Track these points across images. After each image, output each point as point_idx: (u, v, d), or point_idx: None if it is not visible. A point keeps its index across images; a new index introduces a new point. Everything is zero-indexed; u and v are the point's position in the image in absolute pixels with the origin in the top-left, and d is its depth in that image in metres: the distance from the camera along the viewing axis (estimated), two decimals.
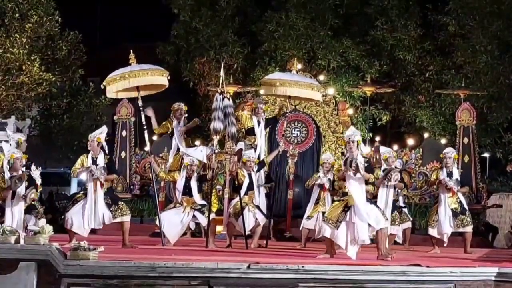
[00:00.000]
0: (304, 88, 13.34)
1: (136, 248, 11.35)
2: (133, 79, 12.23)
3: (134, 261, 8.74)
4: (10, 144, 11.90)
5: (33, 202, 11.67)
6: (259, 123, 13.90)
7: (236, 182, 12.72)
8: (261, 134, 13.97)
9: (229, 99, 12.79)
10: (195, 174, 12.46)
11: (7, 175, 10.89)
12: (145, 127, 12.64)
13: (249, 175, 12.83)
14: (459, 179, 13.11)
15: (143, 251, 10.96)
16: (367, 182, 10.50)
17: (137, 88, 12.46)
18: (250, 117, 14.05)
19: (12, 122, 16.33)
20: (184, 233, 15.52)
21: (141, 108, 12.74)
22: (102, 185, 11.30)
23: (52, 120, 21.59)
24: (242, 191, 12.57)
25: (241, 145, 13.45)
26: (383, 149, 13.16)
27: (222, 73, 12.62)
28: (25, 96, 19.72)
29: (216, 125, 12.04)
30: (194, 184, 12.40)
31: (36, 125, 21.50)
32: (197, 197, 12.43)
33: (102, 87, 12.50)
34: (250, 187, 12.79)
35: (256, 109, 13.94)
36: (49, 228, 8.98)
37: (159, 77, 12.52)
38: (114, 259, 8.86)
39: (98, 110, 21.77)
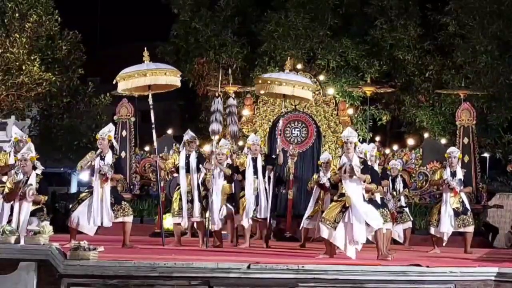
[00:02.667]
0: (293, 86, 12.83)
1: (136, 248, 11.35)
2: (150, 77, 12.11)
3: (134, 261, 8.74)
4: (12, 146, 11.79)
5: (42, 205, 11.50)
6: (253, 159, 13.00)
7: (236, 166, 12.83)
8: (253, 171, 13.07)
9: (233, 98, 12.87)
10: (194, 151, 12.55)
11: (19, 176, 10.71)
12: (153, 125, 12.54)
13: (254, 159, 12.83)
14: (462, 179, 13.08)
15: (143, 251, 10.96)
16: (370, 182, 10.52)
17: (149, 87, 12.40)
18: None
19: (12, 122, 16.31)
20: (184, 233, 15.57)
21: (151, 107, 12.66)
22: (106, 180, 11.25)
23: (52, 120, 21.56)
24: (249, 176, 12.65)
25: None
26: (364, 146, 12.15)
27: (220, 74, 12.71)
28: (25, 96, 19.68)
29: (215, 126, 12.25)
30: (193, 162, 12.42)
31: (36, 125, 21.47)
32: (194, 177, 12.46)
33: (114, 82, 12.35)
34: (254, 172, 12.84)
35: (253, 145, 13.08)
36: (49, 228, 8.98)
37: (174, 78, 12.39)
38: (114, 259, 8.86)
39: (97, 109, 21.73)
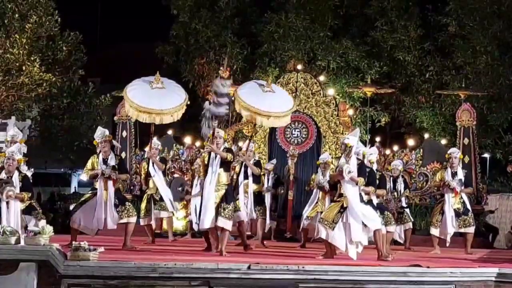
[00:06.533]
0: (268, 118, 11.32)
1: (136, 249, 11.35)
2: (158, 117, 11.43)
3: (135, 262, 8.73)
4: (6, 145, 11.78)
5: (32, 203, 11.55)
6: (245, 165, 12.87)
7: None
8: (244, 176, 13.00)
9: (210, 102, 11.61)
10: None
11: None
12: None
13: (245, 165, 12.87)
14: (463, 179, 13.08)
15: (143, 251, 10.96)
16: (368, 184, 10.53)
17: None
18: None
19: (12, 123, 16.30)
20: (184, 234, 15.58)
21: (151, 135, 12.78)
22: (115, 182, 11.23)
23: (52, 121, 21.55)
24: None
25: None
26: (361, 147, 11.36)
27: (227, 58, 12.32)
28: (25, 97, 19.67)
29: (222, 110, 11.30)
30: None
31: (36, 125, 21.44)
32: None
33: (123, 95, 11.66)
34: (245, 177, 12.98)
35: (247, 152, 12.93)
36: (49, 229, 8.97)
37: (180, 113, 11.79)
38: (114, 259, 8.86)
39: (98, 110, 21.72)
